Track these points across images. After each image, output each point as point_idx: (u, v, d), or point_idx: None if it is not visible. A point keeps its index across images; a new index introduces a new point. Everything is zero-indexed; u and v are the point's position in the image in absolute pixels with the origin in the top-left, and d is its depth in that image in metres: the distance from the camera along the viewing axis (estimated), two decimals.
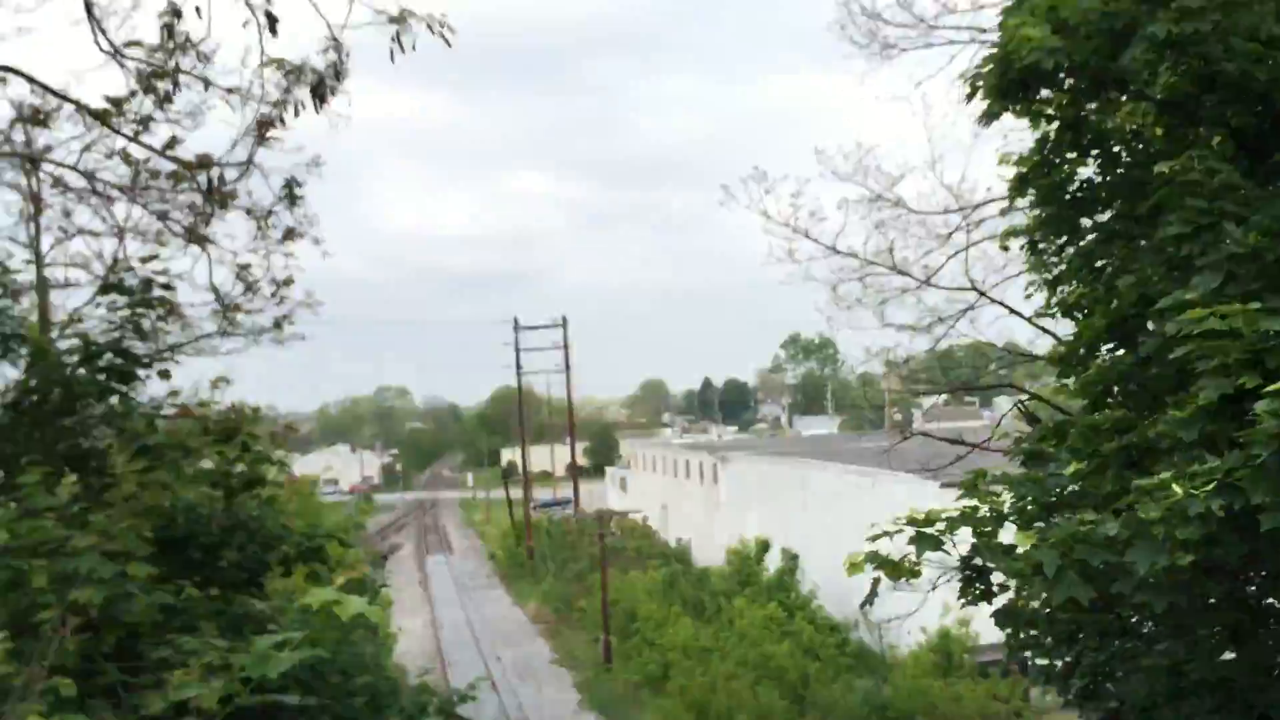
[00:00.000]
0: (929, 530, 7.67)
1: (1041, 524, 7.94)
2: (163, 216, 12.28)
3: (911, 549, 7.69)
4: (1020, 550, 7.14)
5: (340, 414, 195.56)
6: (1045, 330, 14.55)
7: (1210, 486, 6.44)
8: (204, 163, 10.18)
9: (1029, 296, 12.61)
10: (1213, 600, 8.49)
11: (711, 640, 33.92)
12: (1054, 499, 8.65)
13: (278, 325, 11.92)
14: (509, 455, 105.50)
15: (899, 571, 7.68)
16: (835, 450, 44.24)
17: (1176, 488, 6.50)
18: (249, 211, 10.79)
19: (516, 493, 71.97)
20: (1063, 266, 10.57)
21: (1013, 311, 16.29)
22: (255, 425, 10.88)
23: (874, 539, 7.77)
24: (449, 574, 63.85)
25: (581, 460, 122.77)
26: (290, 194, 10.90)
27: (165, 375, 10.11)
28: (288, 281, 11.59)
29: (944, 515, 7.79)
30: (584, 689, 36.31)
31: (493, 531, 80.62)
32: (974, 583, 8.28)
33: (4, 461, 9.08)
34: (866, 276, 18.10)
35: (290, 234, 11.27)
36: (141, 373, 10.27)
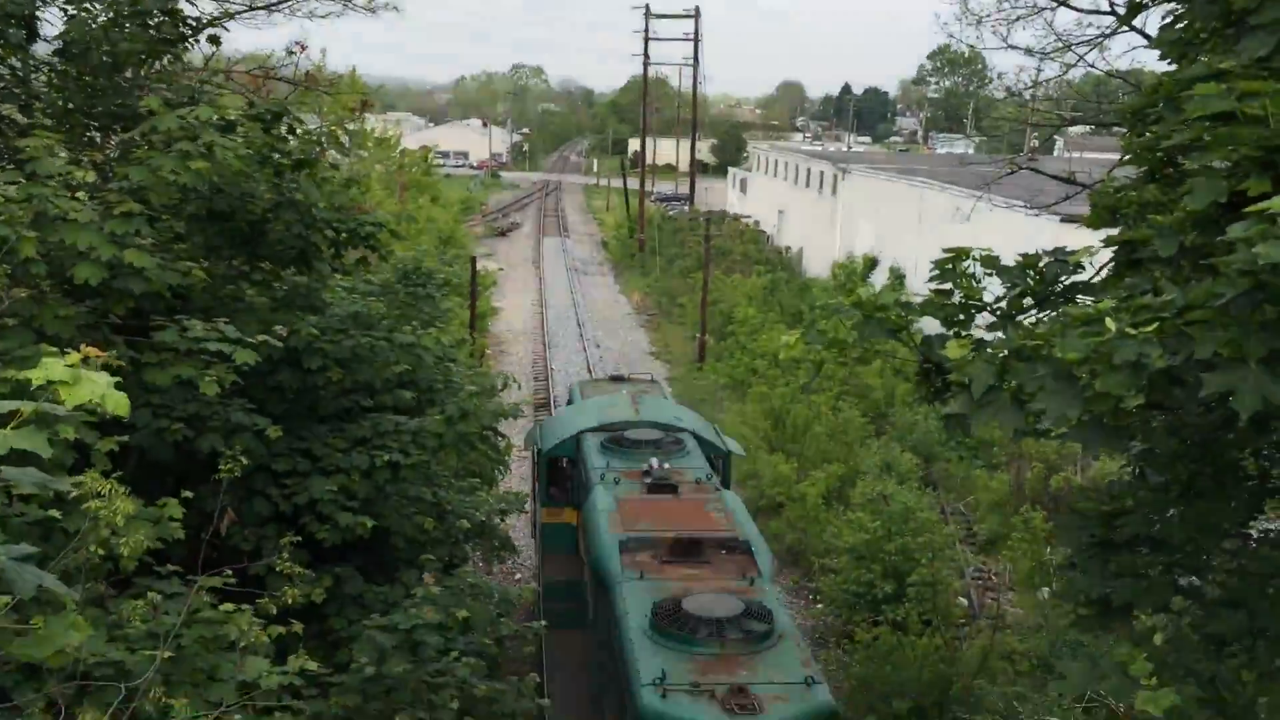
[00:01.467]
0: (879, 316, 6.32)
1: (1037, 320, 6.44)
2: None
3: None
4: (952, 359, 5.71)
5: (477, 89, 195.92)
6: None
7: (1153, 327, 4.81)
8: None
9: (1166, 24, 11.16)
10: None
11: (802, 352, 34.08)
12: (1055, 290, 6.80)
13: None
14: (635, 145, 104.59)
15: (846, 355, 6.54)
16: (961, 172, 42.38)
17: (1110, 322, 4.88)
18: None
19: (638, 183, 71.79)
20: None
21: (1152, 44, 14.75)
22: (350, 90, 10.54)
23: (820, 315, 6.56)
24: (562, 257, 64.97)
25: (708, 158, 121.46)
26: None
27: (215, 41, 9.83)
28: None
29: (902, 299, 6.43)
30: (674, 384, 37.34)
31: (610, 220, 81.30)
32: (931, 377, 6.67)
33: (55, 114, 9.08)
34: None
35: None
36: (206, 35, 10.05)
